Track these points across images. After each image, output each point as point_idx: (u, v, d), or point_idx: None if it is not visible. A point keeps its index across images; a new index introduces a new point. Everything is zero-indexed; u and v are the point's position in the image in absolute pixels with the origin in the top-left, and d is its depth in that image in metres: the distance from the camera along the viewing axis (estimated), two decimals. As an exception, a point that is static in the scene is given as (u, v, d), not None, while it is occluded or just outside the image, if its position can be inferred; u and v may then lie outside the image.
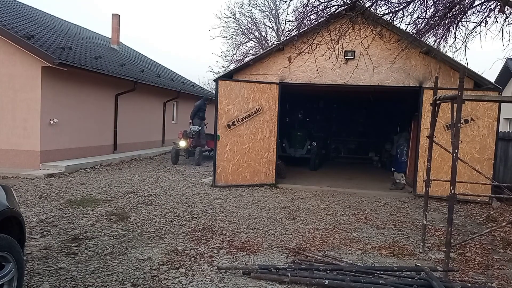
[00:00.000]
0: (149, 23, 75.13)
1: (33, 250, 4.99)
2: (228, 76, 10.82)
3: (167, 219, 6.77)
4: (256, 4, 31.92)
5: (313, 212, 7.79)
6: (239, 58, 25.55)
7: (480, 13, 7.34)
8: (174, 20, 75.25)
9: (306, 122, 17.05)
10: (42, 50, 10.65)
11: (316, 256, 5.16)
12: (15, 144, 11.16)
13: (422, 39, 8.77)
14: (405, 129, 13.46)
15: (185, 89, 21.26)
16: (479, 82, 9.68)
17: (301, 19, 9.08)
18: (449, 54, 9.37)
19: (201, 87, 28.65)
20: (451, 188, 4.58)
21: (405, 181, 11.37)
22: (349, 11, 8.10)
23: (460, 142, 4.77)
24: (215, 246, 5.52)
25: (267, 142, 10.49)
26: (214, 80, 11.31)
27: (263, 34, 27.43)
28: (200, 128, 14.97)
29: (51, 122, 11.45)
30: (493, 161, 9.51)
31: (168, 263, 4.80)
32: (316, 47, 8.96)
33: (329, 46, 8.65)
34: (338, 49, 9.10)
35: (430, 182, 5.70)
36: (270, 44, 24.90)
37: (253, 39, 27.23)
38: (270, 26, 27.33)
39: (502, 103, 9.25)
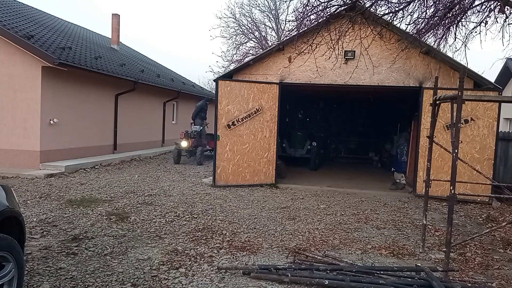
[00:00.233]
0: (149, 23, 75.18)
1: (33, 250, 4.99)
2: (228, 76, 10.82)
3: (167, 219, 6.77)
4: (256, 4, 31.95)
5: (313, 212, 7.79)
6: (239, 58, 25.57)
7: (480, 13, 7.34)
8: (174, 20, 75.30)
9: (306, 122, 17.05)
10: (42, 50, 10.65)
11: (316, 256, 5.16)
12: (15, 144, 11.16)
13: (422, 39, 8.77)
14: (405, 129, 13.46)
15: (185, 89, 21.27)
16: (479, 82, 9.68)
17: (301, 19, 9.09)
18: (449, 54, 9.39)
19: (201, 87, 28.66)
20: (451, 188, 4.58)
21: (405, 181, 11.37)
22: (349, 11, 8.10)
23: (460, 142, 4.77)
24: (215, 246, 5.52)
25: (267, 142, 10.49)
26: (214, 80, 11.32)
27: (263, 34, 27.45)
28: (201, 128, 15.11)
29: (51, 122, 11.45)
30: (493, 161, 9.50)
31: (168, 263, 4.80)
32: (316, 47, 8.96)
33: (329, 46, 8.65)
34: (338, 49, 9.10)
35: (430, 182, 5.70)
36: (270, 44, 24.91)
37: (253, 39, 27.25)
38: (270, 26, 27.36)
39: (502, 103, 9.25)
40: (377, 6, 8.21)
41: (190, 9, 76.02)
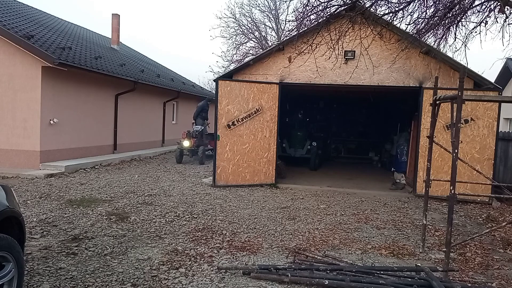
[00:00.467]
0: (149, 23, 75.19)
1: (33, 250, 4.99)
2: (228, 76, 10.82)
3: (167, 219, 6.77)
4: (256, 4, 31.98)
5: (313, 212, 7.79)
6: (239, 58, 25.58)
7: (480, 13, 7.34)
8: (174, 20, 75.30)
9: (306, 122, 17.04)
10: (42, 50, 10.65)
11: (316, 256, 5.16)
12: (15, 144, 11.16)
13: (422, 39, 8.77)
14: (405, 129, 13.46)
15: (185, 89, 21.27)
16: (479, 82, 9.68)
17: (301, 19, 9.10)
18: (449, 54, 9.39)
19: (201, 87, 28.66)
20: (451, 188, 4.58)
21: (405, 181, 11.37)
22: (349, 11, 8.10)
23: (460, 142, 4.77)
24: (215, 246, 5.52)
25: (267, 142, 10.49)
26: (214, 80, 11.31)
27: (263, 34, 27.46)
28: (203, 128, 15.34)
29: (51, 122, 11.45)
30: (493, 161, 9.51)
31: (168, 263, 4.80)
32: (316, 47, 8.95)
33: (329, 46, 8.65)
34: (338, 49, 9.10)
35: (430, 182, 5.70)
36: (270, 44, 24.91)
37: (253, 39, 27.26)
38: (270, 26, 27.37)
39: (502, 103, 9.25)
40: (377, 6, 8.22)
41: (190, 9, 76.07)
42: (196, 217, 7.00)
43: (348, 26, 8.28)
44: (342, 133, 18.43)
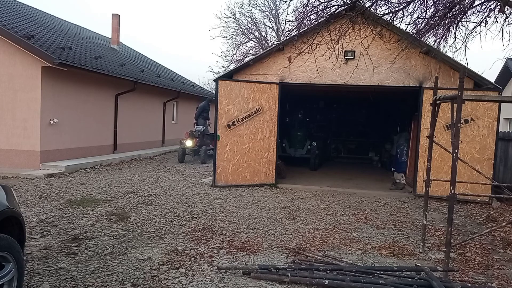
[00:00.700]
0: (149, 23, 75.18)
1: (33, 250, 4.99)
2: (228, 76, 10.82)
3: (167, 219, 6.77)
4: (256, 4, 31.95)
5: (313, 212, 7.79)
6: (239, 58, 25.57)
7: (480, 13, 7.34)
8: (174, 20, 75.29)
9: (306, 122, 17.05)
10: (42, 50, 10.65)
11: (316, 256, 5.16)
12: (15, 144, 11.16)
13: (422, 39, 8.77)
14: (405, 129, 13.46)
15: (185, 89, 21.27)
16: (479, 82, 9.68)
17: (301, 19, 9.09)
18: (449, 54, 9.40)
19: (201, 87, 28.65)
20: (451, 188, 4.58)
21: (405, 181, 11.37)
22: (349, 11, 8.10)
23: (460, 142, 4.77)
24: (215, 246, 5.52)
25: (267, 142, 10.49)
26: (214, 80, 11.32)
27: (263, 34, 27.46)
28: (204, 128, 15.60)
29: (51, 122, 11.45)
30: (493, 161, 9.51)
31: (168, 263, 4.80)
32: (316, 47, 8.95)
33: (329, 46, 8.65)
34: (338, 49, 9.10)
35: (430, 182, 5.70)
36: (270, 44, 24.91)
37: (253, 39, 27.25)
38: (270, 26, 27.36)
39: (502, 103, 9.25)
40: (377, 6, 8.22)
41: (190, 9, 76.06)
42: (196, 217, 7.00)
43: (348, 26, 8.28)
44: (342, 133, 18.42)
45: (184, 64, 62.88)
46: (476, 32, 7.35)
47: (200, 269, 4.66)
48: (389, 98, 13.94)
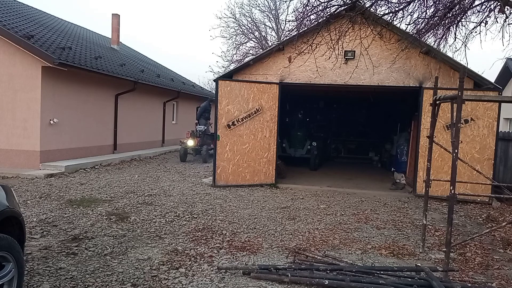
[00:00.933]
0: (149, 23, 75.17)
1: (33, 250, 4.99)
2: (228, 76, 10.82)
3: (167, 219, 6.77)
4: (256, 4, 31.97)
5: (313, 212, 7.79)
6: (239, 58, 25.57)
7: (480, 13, 7.34)
8: (174, 20, 75.29)
9: (306, 122, 17.05)
10: (42, 50, 10.65)
11: (316, 256, 5.16)
12: (15, 144, 11.16)
13: (422, 39, 8.77)
14: (405, 129, 13.46)
15: (185, 89, 21.27)
16: (479, 82, 9.68)
17: (301, 19, 9.09)
18: (449, 54, 9.40)
19: (201, 87, 28.65)
20: (451, 188, 4.58)
21: (405, 181, 11.37)
22: (349, 11, 8.10)
23: (460, 142, 4.77)
24: (215, 246, 5.52)
25: (267, 142, 10.49)
26: (214, 80, 11.32)
27: (263, 34, 27.46)
28: (206, 128, 15.83)
29: (51, 122, 11.45)
30: (493, 161, 9.51)
31: (168, 263, 4.80)
32: (316, 47, 8.95)
33: (329, 46, 8.65)
34: (338, 49, 9.10)
35: (430, 182, 5.70)
36: (270, 44, 24.91)
37: (253, 39, 27.25)
38: (270, 26, 27.37)
39: (502, 103, 9.25)
40: (377, 6, 8.22)
41: (190, 9, 76.06)
42: (196, 217, 7.00)
43: (348, 26, 8.28)
44: (342, 133, 18.42)
45: (184, 64, 62.92)
46: (476, 32, 7.36)
47: (200, 269, 4.66)
48: (389, 98, 13.94)
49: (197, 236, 5.92)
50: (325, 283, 4.24)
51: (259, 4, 31.39)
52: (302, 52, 9.25)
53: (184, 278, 4.40)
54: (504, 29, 6.77)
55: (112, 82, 14.28)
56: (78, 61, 12.02)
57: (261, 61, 10.63)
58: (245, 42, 27.17)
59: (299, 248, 5.54)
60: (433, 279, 4.23)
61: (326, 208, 8.20)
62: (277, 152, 10.84)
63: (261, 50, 23.46)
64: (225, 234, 6.10)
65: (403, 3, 7.62)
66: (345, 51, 9.89)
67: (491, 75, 22.83)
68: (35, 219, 6.39)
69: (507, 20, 6.75)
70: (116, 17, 19.74)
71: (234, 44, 26.98)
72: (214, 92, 10.99)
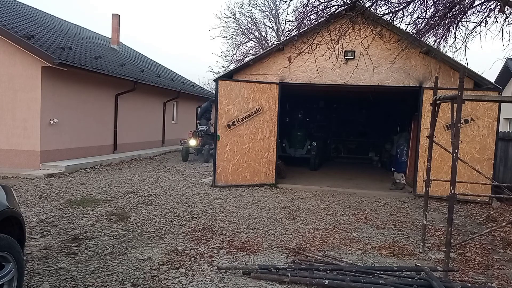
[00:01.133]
0: (149, 23, 75.16)
1: (33, 250, 4.99)
2: (228, 76, 10.82)
3: (167, 219, 6.77)
4: (256, 4, 31.95)
5: (313, 212, 7.79)
6: (239, 58, 25.56)
7: (480, 13, 7.34)
8: (174, 20, 75.27)
9: (306, 122, 17.05)
10: (42, 50, 10.65)
11: (316, 256, 5.16)
12: (15, 144, 11.16)
13: (422, 39, 8.77)
14: (405, 129, 13.46)
15: (185, 89, 21.27)
16: (479, 82, 9.68)
17: (301, 19, 9.09)
18: (449, 54, 9.40)
19: (201, 87, 28.65)
20: (451, 188, 4.58)
21: (405, 181, 11.37)
22: (349, 11, 8.10)
23: (460, 142, 4.77)
24: (215, 246, 5.52)
25: (267, 142, 10.49)
26: (214, 80, 11.32)
27: (263, 34, 27.45)
28: (207, 128, 16.07)
29: (51, 122, 11.45)
30: (493, 161, 9.51)
31: (168, 263, 4.80)
32: (316, 47, 8.95)
33: (329, 46, 8.65)
34: (338, 49, 9.10)
35: (430, 182, 5.70)
36: (270, 44, 24.90)
37: (253, 39, 27.24)
38: (270, 26, 27.36)
39: (502, 103, 9.25)
40: (377, 6, 8.21)
41: (190, 9, 76.05)
42: (196, 217, 7.00)
43: (348, 26, 8.28)
44: (342, 133, 18.43)
45: (184, 64, 62.88)
46: (476, 32, 7.36)
47: (200, 269, 4.66)
48: (389, 98, 13.94)
49: (197, 236, 5.92)
50: (325, 283, 4.24)
51: (259, 4, 31.41)
52: (302, 52, 9.25)
53: (184, 278, 4.40)
54: (504, 29, 6.78)
55: (112, 82, 14.27)
56: (78, 61, 12.02)
57: (261, 61, 10.63)
58: (245, 42, 27.19)
59: (299, 248, 5.55)
60: (433, 279, 4.23)
61: (326, 208, 8.20)
62: (277, 152, 10.84)
63: (261, 50, 23.46)
64: (225, 234, 6.10)
65: (403, 3, 7.61)
66: (345, 51, 9.90)
67: (491, 75, 22.84)
68: (35, 219, 6.39)
69: (507, 20, 6.76)
70: (116, 17, 19.74)
71: (234, 44, 27.00)
72: (214, 92, 10.99)
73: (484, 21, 7.09)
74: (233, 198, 8.79)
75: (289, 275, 4.38)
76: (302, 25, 9.42)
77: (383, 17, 8.35)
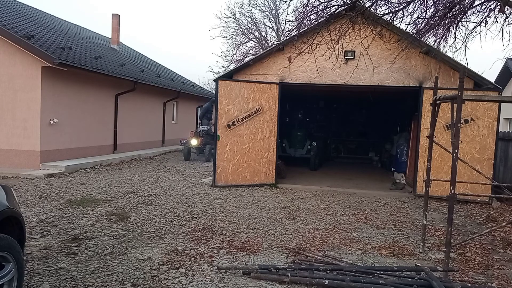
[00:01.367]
0: (149, 23, 75.15)
1: (33, 250, 4.99)
2: (228, 76, 10.82)
3: (167, 219, 6.77)
4: (256, 4, 31.94)
5: (313, 212, 7.79)
6: (239, 58, 25.55)
7: (480, 13, 7.34)
8: (174, 20, 75.27)
9: (306, 122, 17.05)
10: (42, 50, 10.65)
11: (316, 256, 5.16)
12: (15, 144, 11.16)
13: (422, 39, 8.77)
14: (405, 129, 13.46)
15: (185, 89, 21.27)
16: (479, 82, 9.68)
17: (301, 19, 9.09)
18: (449, 54, 9.40)
19: (201, 87, 28.65)
20: (451, 188, 4.58)
21: (405, 181, 11.37)
22: (349, 11, 8.10)
23: (460, 142, 4.77)
24: (215, 246, 5.52)
25: (267, 142, 10.49)
26: (214, 80, 11.32)
27: (263, 34, 27.44)
28: (208, 128, 16.26)
29: (51, 122, 11.45)
30: (493, 161, 9.50)
31: (168, 263, 4.80)
32: (316, 47, 8.95)
33: (329, 46, 8.65)
34: (338, 49, 9.10)
35: (430, 182, 5.70)
36: (270, 44, 24.89)
37: (253, 39, 27.23)
38: (270, 26, 27.35)
39: (502, 103, 9.25)
40: (377, 6, 8.21)
41: (190, 9, 76.05)
42: (196, 217, 7.00)
43: (348, 26, 8.28)
44: (342, 133, 18.44)
45: (184, 64, 62.88)
46: (476, 32, 7.36)
47: (200, 269, 4.66)
48: (389, 98, 13.94)
49: (197, 236, 5.92)
50: (325, 283, 4.24)
51: (259, 4, 31.40)
52: (302, 52, 9.25)
53: (184, 278, 4.40)
54: (504, 29, 6.78)
55: (112, 82, 14.28)
56: (78, 61, 12.02)
57: (261, 61, 10.63)
58: (245, 42, 27.18)
59: (299, 248, 5.54)
60: (433, 279, 4.23)
61: (326, 208, 8.20)
62: (277, 152, 10.84)
63: (261, 50, 23.45)
64: (225, 234, 6.10)
65: (403, 3, 7.61)
66: (345, 51, 9.90)
67: (491, 75, 22.84)
68: (35, 219, 6.39)
69: (507, 20, 6.76)
70: (116, 17, 19.74)
71: (234, 44, 26.99)
72: (214, 92, 10.99)
73: (484, 21, 7.09)
74: (233, 198, 8.79)
75: (289, 275, 4.38)
76: (302, 25, 9.42)
77: (383, 17, 8.35)
